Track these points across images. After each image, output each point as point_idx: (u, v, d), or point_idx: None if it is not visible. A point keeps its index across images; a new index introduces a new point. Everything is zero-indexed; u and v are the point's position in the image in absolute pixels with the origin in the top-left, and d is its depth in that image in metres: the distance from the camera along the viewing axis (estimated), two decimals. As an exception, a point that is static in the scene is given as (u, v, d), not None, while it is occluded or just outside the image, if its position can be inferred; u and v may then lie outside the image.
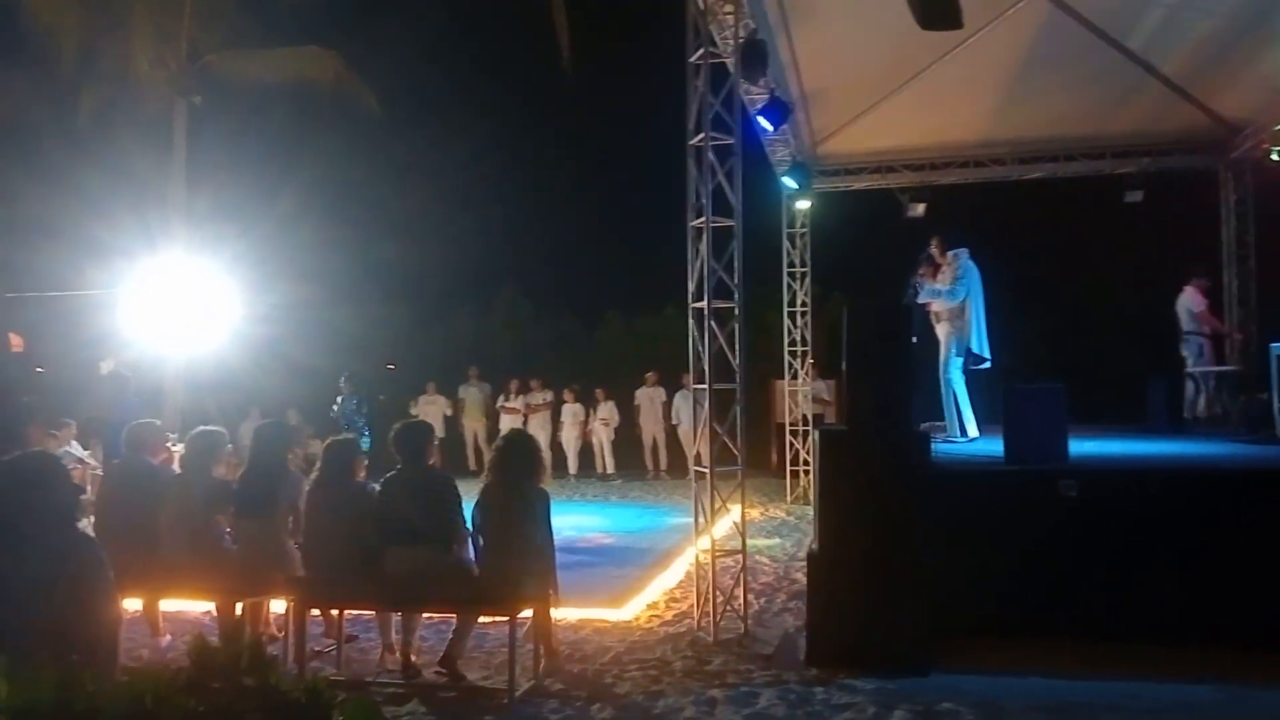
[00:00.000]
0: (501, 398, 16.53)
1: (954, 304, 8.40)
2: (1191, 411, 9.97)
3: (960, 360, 8.41)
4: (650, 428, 16.16)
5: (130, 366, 11.30)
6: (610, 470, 16.19)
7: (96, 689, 1.89)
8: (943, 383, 8.49)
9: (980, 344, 8.35)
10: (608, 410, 16.25)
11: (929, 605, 5.39)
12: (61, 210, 15.18)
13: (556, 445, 15.96)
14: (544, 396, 16.36)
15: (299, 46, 16.03)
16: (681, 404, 15.06)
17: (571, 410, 16.34)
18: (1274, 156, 10.80)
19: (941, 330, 8.55)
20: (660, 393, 16.05)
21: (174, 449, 8.05)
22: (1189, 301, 9.92)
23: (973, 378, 8.52)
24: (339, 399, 13.87)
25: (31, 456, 3.64)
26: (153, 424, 6.77)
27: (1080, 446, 6.63)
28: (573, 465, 16.26)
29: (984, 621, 5.65)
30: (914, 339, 5.83)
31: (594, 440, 16.34)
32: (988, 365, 8.46)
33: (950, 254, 8.49)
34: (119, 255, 12.85)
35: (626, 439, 16.47)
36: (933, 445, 5.85)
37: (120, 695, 1.86)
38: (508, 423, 15.23)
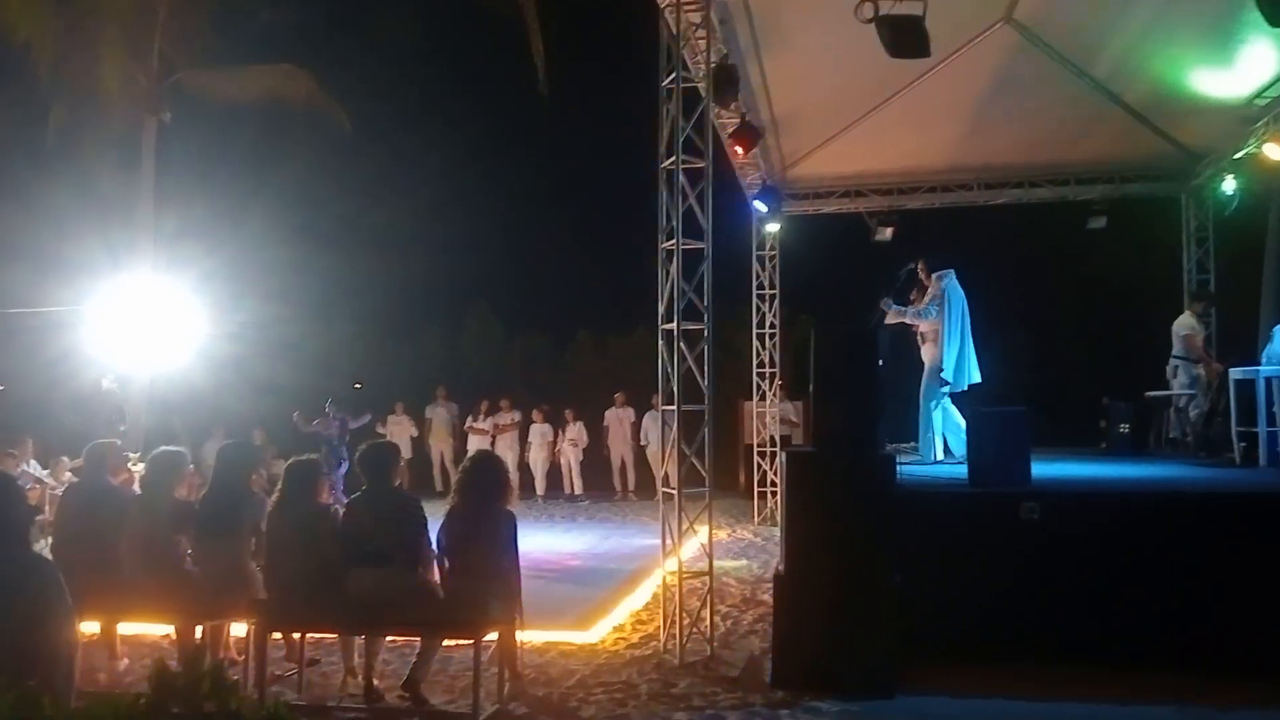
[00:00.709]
0: (470, 418, 16.45)
1: (932, 324, 8.54)
2: (1155, 434, 10.07)
3: (937, 382, 8.52)
4: (619, 448, 16.15)
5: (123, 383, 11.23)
6: (578, 491, 16.15)
7: (54, 713, 1.86)
8: (921, 403, 8.62)
9: (949, 367, 8.44)
10: (576, 431, 16.24)
11: (895, 627, 5.41)
12: (26, 226, 15.00)
13: (524, 466, 15.91)
14: (512, 417, 16.31)
15: (271, 64, 15.99)
16: (650, 425, 15.07)
17: (540, 431, 16.30)
18: (1225, 187, 11.01)
19: (926, 352, 8.69)
20: (629, 413, 16.06)
21: (134, 469, 7.95)
22: (1179, 326, 10.00)
23: (961, 400, 8.61)
24: (314, 420, 13.66)
25: (-15, 477, 3.59)
26: (113, 443, 6.68)
27: (1042, 469, 6.70)
28: (540, 486, 16.21)
29: (949, 644, 5.67)
30: (880, 362, 5.87)
31: (562, 461, 16.31)
32: (950, 387, 8.54)
33: (935, 275, 8.64)
34: (84, 273, 12.72)
35: (595, 460, 16.44)
36: (898, 468, 5.89)
37: (80, 718, 1.83)
38: (476, 443, 15.17)
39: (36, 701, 1.89)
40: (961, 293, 8.61)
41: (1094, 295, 17.80)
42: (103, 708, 1.87)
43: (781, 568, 5.81)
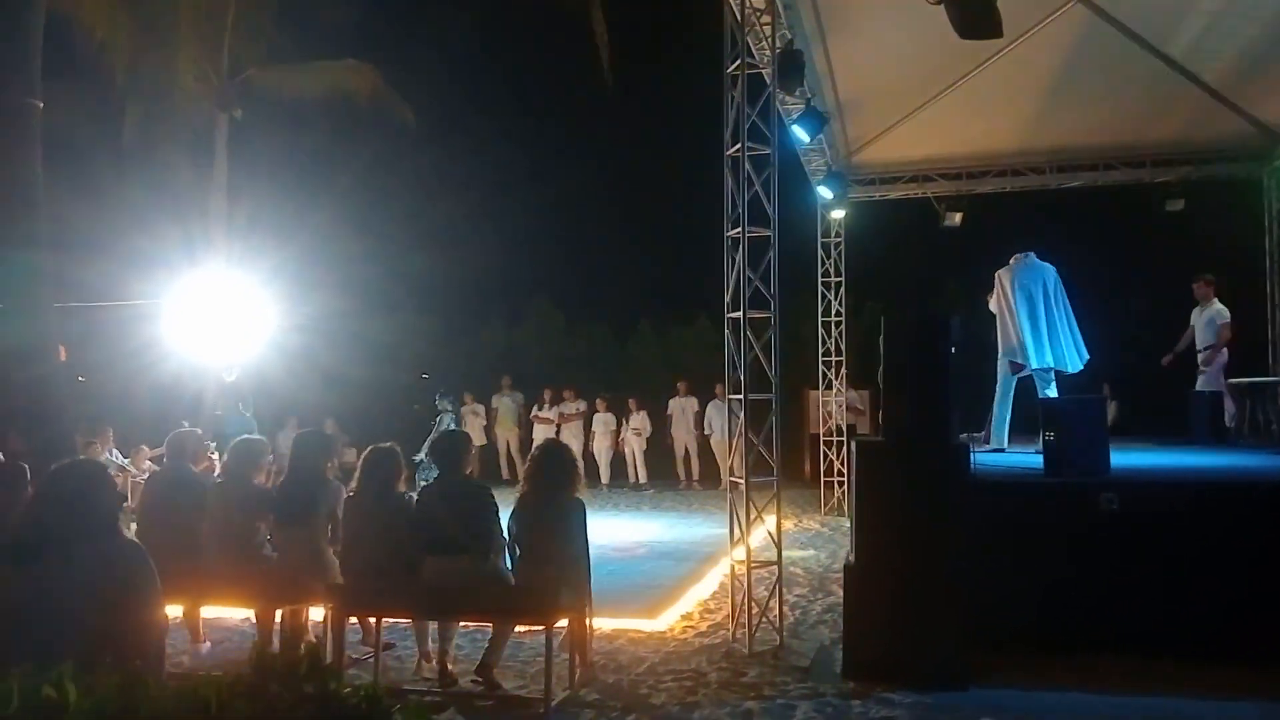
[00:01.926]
0: (535, 408, 16.59)
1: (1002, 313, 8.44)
2: (1235, 424, 9.79)
3: (1005, 365, 8.39)
4: (682, 437, 16.15)
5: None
6: (642, 480, 16.20)
7: (158, 693, 1.92)
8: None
9: (1023, 349, 8.27)
10: (640, 420, 16.27)
11: (967, 619, 5.34)
12: (106, 222, 15.45)
13: (588, 455, 15.97)
14: (577, 406, 16.41)
15: (335, 60, 16.26)
16: (714, 414, 15.06)
17: (603, 420, 16.37)
18: None
19: None
20: (692, 402, 16.05)
21: (214, 457, 8.17)
22: None
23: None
24: (438, 418, 13.83)
25: (79, 465, 3.69)
26: (194, 432, 6.87)
27: (1122, 459, 6.55)
28: (605, 475, 16.27)
29: (1023, 636, 5.59)
30: (953, 350, 5.77)
31: (626, 450, 16.37)
32: (1025, 371, 8.41)
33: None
34: (161, 266, 13.08)
35: (658, 449, 16.47)
36: (973, 456, 5.79)
37: (184, 698, 1.89)
38: (541, 432, 15.30)
39: (141, 682, 1.95)
40: (1037, 274, 8.40)
41: (1172, 280, 17.32)
42: (206, 687, 1.92)
43: (852, 558, 5.76)
